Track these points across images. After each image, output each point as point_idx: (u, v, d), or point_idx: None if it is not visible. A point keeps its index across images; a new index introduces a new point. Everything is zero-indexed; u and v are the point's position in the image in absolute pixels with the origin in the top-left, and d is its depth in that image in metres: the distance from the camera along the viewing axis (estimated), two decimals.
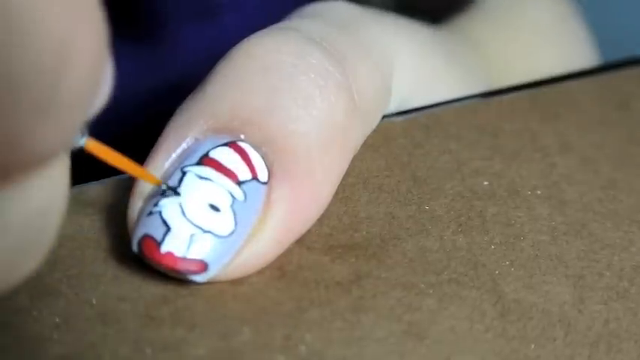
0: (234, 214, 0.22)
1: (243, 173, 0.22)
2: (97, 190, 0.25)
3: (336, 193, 0.25)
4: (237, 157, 0.23)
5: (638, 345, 0.22)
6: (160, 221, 0.22)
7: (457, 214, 0.25)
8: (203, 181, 0.22)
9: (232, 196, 0.22)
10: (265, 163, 0.23)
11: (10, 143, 0.15)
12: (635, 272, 0.24)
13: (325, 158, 0.23)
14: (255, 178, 0.22)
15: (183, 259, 0.21)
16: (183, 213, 0.22)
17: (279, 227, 0.22)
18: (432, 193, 0.26)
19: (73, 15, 0.15)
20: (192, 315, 0.22)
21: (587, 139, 0.29)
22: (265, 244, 0.22)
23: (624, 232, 0.25)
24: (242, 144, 0.23)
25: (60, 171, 0.17)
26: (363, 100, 0.25)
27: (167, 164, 0.23)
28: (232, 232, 0.22)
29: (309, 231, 0.24)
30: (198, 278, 0.22)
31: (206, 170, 0.22)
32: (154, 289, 0.22)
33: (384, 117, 0.29)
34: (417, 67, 0.30)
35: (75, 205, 0.24)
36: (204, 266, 0.22)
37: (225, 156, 0.23)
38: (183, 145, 0.23)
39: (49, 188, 0.17)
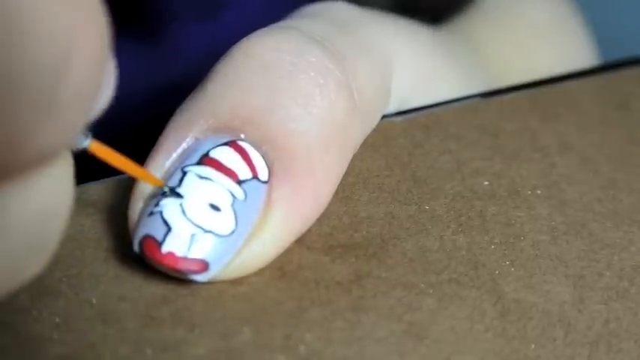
0: (235, 213, 0.22)
1: (244, 172, 0.22)
2: (97, 190, 0.25)
3: (337, 192, 0.25)
4: (237, 156, 0.23)
5: (638, 345, 0.22)
6: (160, 221, 0.22)
7: (457, 213, 0.25)
8: (203, 181, 0.22)
9: (233, 195, 0.22)
10: (265, 162, 0.23)
11: (10, 142, 0.15)
12: (635, 272, 0.24)
13: (325, 157, 0.23)
14: (255, 177, 0.22)
15: (185, 258, 0.21)
16: (184, 213, 0.22)
17: (280, 226, 0.22)
18: (432, 193, 0.26)
19: (74, 15, 0.15)
20: (193, 315, 0.22)
21: (587, 139, 0.29)
22: (266, 243, 0.22)
23: (624, 232, 0.25)
24: (242, 143, 0.23)
25: (63, 172, 0.17)
26: (363, 99, 0.25)
27: (168, 164, 0.23)
28: (233, 232, 0.22)
29: (309, 231, 0.24)
30: (199, 278, 0.22)
31: (206, 170, 0.22)
32: (154, 289, 0.22)
33: (384, 117, 0.29)
34: (416, 68, 0.30)
35: (75, 205, 0.24)
36: (205, 266, 0.22)
37: (225, 155, 0.23)
38: (184, 145, 0.23)
39: (51, 189, 0.17)
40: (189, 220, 0.22)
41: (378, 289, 0.23)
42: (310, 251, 0.24)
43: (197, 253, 0.22)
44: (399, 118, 0.29)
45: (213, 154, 0.23)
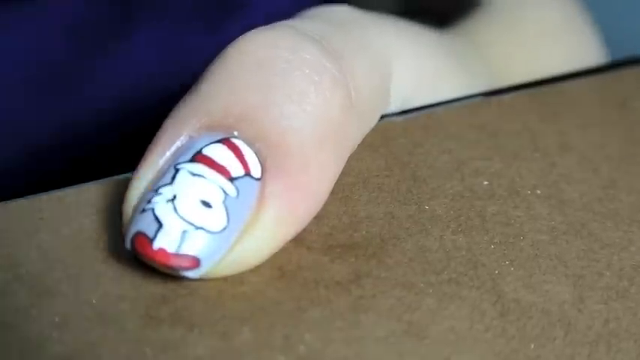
0: (227, 210, 0.22)
1: (236, 169, 0.22)
2: (96, 190, 0.25)
3: (336, 192, 0.25)
4: (230, 153, 0.23)
5: (638, 345, 0.22)
6: (152, 218, 0.22)
7: (457, 213, 0.25)
8: (195, 178, 0.22)
9: (224, 192, 0.22)
10: (259, 159, 0.23)
11: None
12: (635, 272, 0.24)
13: (320, 154, 0.23)
14: (248, 174, 0.23)
15: (176, 255, 0.22)
16: (176, 210, 0.22)
17: (273, 223, 0.22)
18: (432, 193, 0.26)
19: None
20: (192, 315, 0.22)
21: (587, 139, 0.29)
22: (258, 240, 0.22)
23: (624, 231, 0.25)
24: (235, 140, 0.23)
25: None
26: (360, 97, 0.25)
27: (161, 162, 0.23)
28: (225, 228, 0.22)
29: (308, 231, 0.24)
30: (190, 274, 0.22)
31: (199, 167, 0.22)
32: (153, 288, 0.22)
33: (384, 117, 0.29)
34: (418, 68, 0.30)
35: (75, 205, 0.24)
36: (196, 262, 0.22)
37: (218, 152, 0.23)
38: (177, 144, 0.23)
39: None
40: (180, 216, 0.22)
41: (377, 289, 0.23)
42: (310, 251, 0.24)
43: (188, 249, 0.22)
44: (399, 118, 0.29)
45: (206, 151, 0.23)
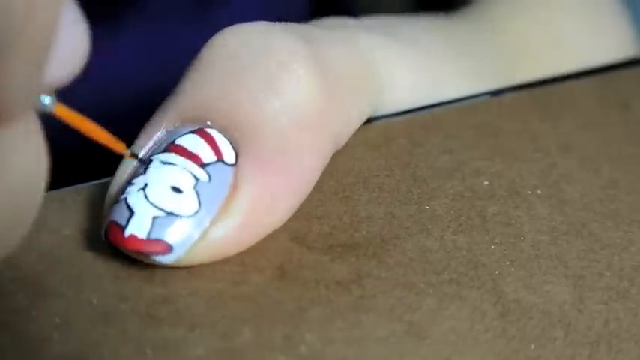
0: (198, 195, 0.22)
1: (208, 156, 0.23)
2: (96, 190, 0.25)
3: (337, 192, 0.25)
4: (201, 141, 0.23)
5: (638, 345, 0.22)
6: (124, 207, 0.22)
7: (457, 213, 0.25)
8: (166, 166, 0.23)
9: (195, 177, 0.23)
10: (233, 146, 0.23)
11: None
12: (635, 272, 0.24)
13: (298, 136, 0.24)
14: (220, 160, 0.23)
15: (147, 240, 0.22)
16: (146, 197, 0.22)
17: (248, 206, 0.23)
18: (433, 193, 0.26)
19: None
20: (193, 315, 0.22)
21: (587, 139, 0.29)
22: (234, 223, 0.22)
23: (624, 231, 0.25)
24: (209, 130, 0.23)
25: (31, 137, 0.16)
26: (338, 83, 0.25)
27: (141, 156, 0.23)
28: (196, 213, 0.22)
29: (309, 230, 0.24)
30: (164, 260, 0.22)
31: (170, 156, 0.23)
32: (154, 288, 0.22)
33: (384, 117, 0.29)
34: (410, 71, 0.30)
35: (75, 205, 0.24)
36: (168, 247, 0.22)
37: (190, 141, 0.23)
38: (154, 139, 0.24)
39: (19, 152, 0.16)
40: (151, 203, 0.22)
41: (378, 289, 0.23)
42: (310, 251, 0.24)
43: (159, 234, 0.22)
44: (400, 118, 0.29)
45: (179, 141, 0.23)
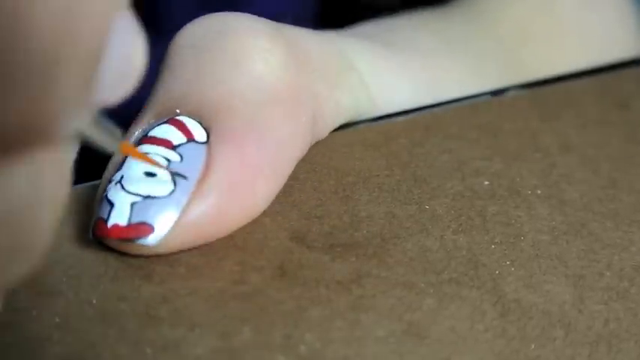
0: (172, 175, 0.23)
1: (178, 138, 0.23)
2: (95, 190, 0.25)
3: (337, 192, 0.25)
4: (172, 128, 0.24)
5: (638, 345, 0.22)
6: (105, 202, 0.23)
7: (457, 213, 0.25)
8: None
9: (167, 159, 0.23)
10: (203, 126, 0.23)
11: None
12: (635, 272, 0.24)
13: (271, 110, 0.24)
14: (191, 139, 0.23)
15: (128, 226, 0.22)
16: (123, 187, 0.23)
17: (224, 179, 0.23)
18: (433, 193, 0.26)
19: None
20: (192, 314, 0.22)
21: (587, 139, 0.29)
22: (214, 197, 0.23)
23: (624, 231, 0.25)
24: (178, 117, 0.24)
25: (54, 162, 0.14)
26: (308, 61, 0.26)
27: (120, 157, 0.24)
28: (172, 192, 0.22)
29: (309, 229, 0.24)
30: (149, 241, 0.22)
31: (143, 147, 0.23)
32: (153, 288, 0.22)
33: (384, 117, 0.29)
34: (416, 72, 0.30)
35: (75, 205, 0.24)
36: (149, 228, 0.22)
37: (161, 130, 0.24)
38: (132, 138, 0.24)
39: (37, 178, 0.14)
40: (127, 192, 0.23)
41: (378, 289, 0.23)
42: (310, 250, 0.24)
43: (138, 217, 0.22)
44: (400, 118, 0.29)
45: (151, 133, 0.24)
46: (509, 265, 0.24)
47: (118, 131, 0.16)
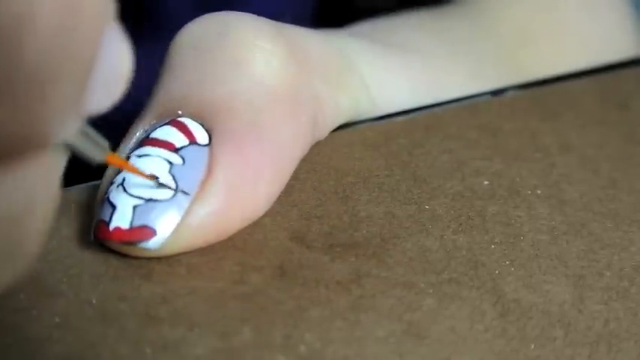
0: (174, 177, 0.23)
1: (180, 141, 0.23)
2: (96, 190, 0.25)
3: (336, 192, 0.25)
4: (173, 129, 0.23)
5: (638, 345, 0.22)
6: (107, 204, 0.23)
7: (457, 213, 0.25)
8: (141, 158, 0.23)
9: (169, 162, 0.23)
10: (205, 128, 0.23)
11: None
12: (635, 272, 0.24)
13: (272, 110, 0.24)
14: (193, 142, 0.23)
15: (130, 229, 0.22)
16: (125, 190, 0.23)
17: (227, 180, 0.23)
18: (432, 193, 0.26)
19: None
20: (192, 314, 0.22)
21: (587, 139, 0.29)
22: (216, 199, 0.23)
23: (624, 231, 0.25)
24: (180, 119, 0.24)
25: (43, 170, 0.14)
26: (308, 61, 0.26)
27: (123, 157, 0.24)
28: (174, 195, 0.22)
29: (308, 230, 0.24)
30: (150, 245, 0.22)
31: (144, 149, 0.23)
32: (153, 288, 0.22)
33: (385, 117, 0.29)
34: (416, 73, 0.30)
35: (75, 205, 0.24)
36: (151, 232, 0.22)
37: (162, 132, 0.23)
38: (134, 139, 0.24)
39: (21, 188, 0.14)
40: (130, 194, 0.22)
41: (377, 289, 0.23)
42: (310, 250, 0.24)
43: (140, 221, 0.22)
44: (400, 118, 0.29)
45: (152, 134, 0.24)
46: (509, 265, 0.24)
47: (105, 142, 0.17)
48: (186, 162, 0.23)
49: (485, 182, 0.27)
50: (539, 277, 0.24)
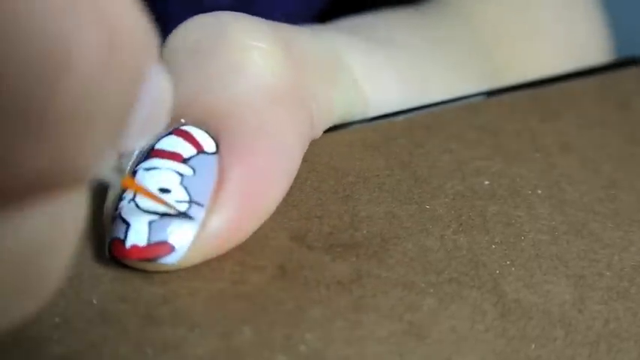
0: (187, 189, 0.22)
1: (188, 151, 0.23)
2: (96, 190, 0.25)
3: (337, 192, 0.25)
4: (179, 139, 0.23)
5: (638, 345, 0.22)
6: (120, 222, 0.22)
7: (458, 213, 0.25)
8: (150, 172, 0.23)
9: (180, 174, 0.22)
10: (210, 135, 0.23)
11: None
12: (635, 272, 0.24)
13: (275, 113, 0.24)
14: (201, 151, 0.23)
15: (148, 246, 0.22)
16: (137, 206, 0.22)
17: (240, 187, 0.22)
18: (433, 193, 0.26)
19: (72, 16, 0.12)
20: (193, 315, 0.22)
21: (588, 139, 0.29)
22: (231, 207, 0.22)
23: (624, 231, 0.25)
24: (184, 127, 0.23)
25: (71, 204, 0.14)
26: (304, 60, 0.25)
27: (127, 167, 0.23)
28: (189, 207, 0.22)
29: (309, 230, 0.24)
30: (169, 260, 0.22)
31: (152, 161, 0.23)
32: (154, 289, 0.22)
33: (385, 117, 0.29)
34: (403, 70, 0.30)
35: None
36: (169, 247, 0.22)
37: (168, 143, 0.23)
38: (137, 151, 0.23)
39: (50, 223, 0.14)
40: (143, 210, 0.22)
41: (378, 289, 0.23)
42: (311, 250, 0.24)
43: (158, 237, 0.22)
44: (400, 118, 0.29)
45: (158, 145, 0.23)
46: (509, 265, 0.24)
47: (123, 167, 0.17)
48: (196, 172, 0.22)
49: (486, 182, 0.27)
50: (539, 277, 0.24)
